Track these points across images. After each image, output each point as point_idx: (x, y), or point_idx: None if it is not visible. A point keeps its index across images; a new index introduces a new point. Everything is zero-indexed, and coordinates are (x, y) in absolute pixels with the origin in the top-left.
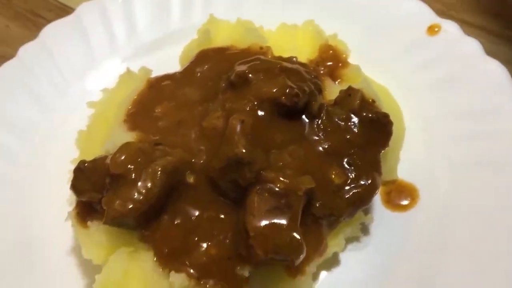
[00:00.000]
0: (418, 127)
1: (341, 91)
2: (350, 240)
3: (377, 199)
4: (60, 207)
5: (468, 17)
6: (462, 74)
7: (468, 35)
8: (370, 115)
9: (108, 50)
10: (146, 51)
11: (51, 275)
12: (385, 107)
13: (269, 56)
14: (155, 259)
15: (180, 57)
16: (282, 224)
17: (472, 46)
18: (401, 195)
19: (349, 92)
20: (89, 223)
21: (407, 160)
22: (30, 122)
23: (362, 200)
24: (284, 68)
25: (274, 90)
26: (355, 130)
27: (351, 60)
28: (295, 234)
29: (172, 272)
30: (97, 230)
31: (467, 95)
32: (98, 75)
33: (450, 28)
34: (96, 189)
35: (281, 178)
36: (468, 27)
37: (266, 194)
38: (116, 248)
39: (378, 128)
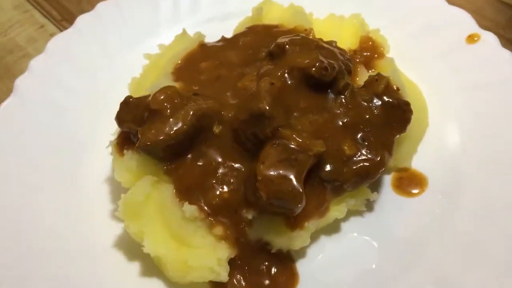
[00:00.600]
0: (441, 127)
1: (370, 76)
2: (354, 213)
3: (387, 182)
4: (105, 139)
5: None
6: (494, 83)
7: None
8: (391, 100)
9: (171, 19)
10: (204, 23)
11: (90, 193)
12: (411, 100)
13: (311, 36)
14: (174, 191)
15: (233, 30)
16: (288, 175)
17: (508, 57)
18: (411, 183)
19: (376, 77)
20: (125, 151)
21: (425, 154)
22: (97, 67)
23: (368, 174)
24: (320, 46)
25: (306, 61)
26: (375, 111)
27: (388, 54)
28: (297, 185)
29: (186, 203)
30: (130, 158)
31: (498, 102)
32: (158, 39)
33: (489, 38)
34: (135, 121)
35: (295, 137)
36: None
37: (279, 148)
38: (143, 175)
39: (398, 113)
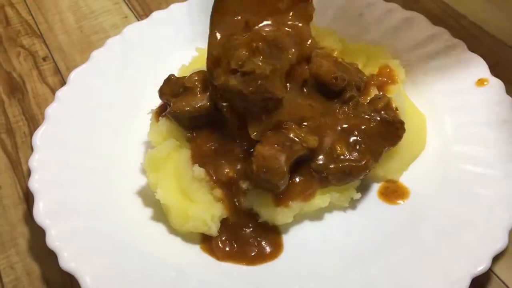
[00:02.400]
0: (436, 153)
1: (375, 95)
2: (337, 207)
3: (375, 188)
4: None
5: None
6: (490, 126)
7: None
8: (387, 117)
9: None
10: None
11: (128, 151)
12: (411, 123)
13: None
14: (190, 155)
15: None
16: (278, 156)
17: (509, 102)
18: (394, 193)
19: (380, 96)
20: (160, 118)
21: (414, 173)
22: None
23: (351, 172)
24: (338, 62)
25: (322, 69)
26: (372, 124)
27: (403, 84)
28: (283, 166)
29: (196, 165)
30: (163, 123)
31: (495, 142)
32: None
33: (496, 84)
34: (172, 95)
35: (295, 130)
36: None
37: (279, 135)
38: (169, 138)
39: (392, 129)
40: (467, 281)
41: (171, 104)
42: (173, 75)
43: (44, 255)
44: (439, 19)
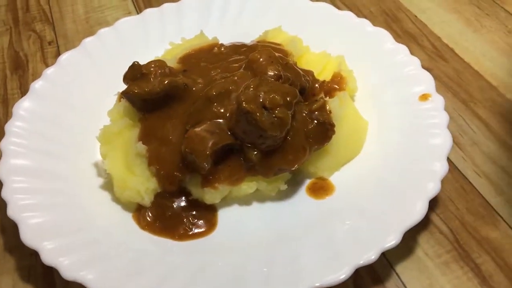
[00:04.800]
0: (369, 157)
1: (314, 98)
2: (263, 197)
3: (305, 183)
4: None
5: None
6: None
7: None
8: (319, 118)
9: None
10: None
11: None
12: (350, 127)
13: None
14: (138, 134)
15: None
16: (205, 140)
17: (443, 119)
18: (320, 189)
19: (316, 99)
20: (121, 99)
21: (345, 174)
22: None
23: (276, 166)
24: (289, 65)
25: (269, 69)
26: (306, 123)
27: (356, 93)
28: (208, 149)
29: (140, 143)
30: (122, 104)
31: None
32: None
33: (437, 99)
34: (132, 79)
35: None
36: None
37: (212, 122)
38: (124, 116)
39: (322, 130)
40: (351, 270)
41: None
42: (136, 62)
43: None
44: (413, 38)
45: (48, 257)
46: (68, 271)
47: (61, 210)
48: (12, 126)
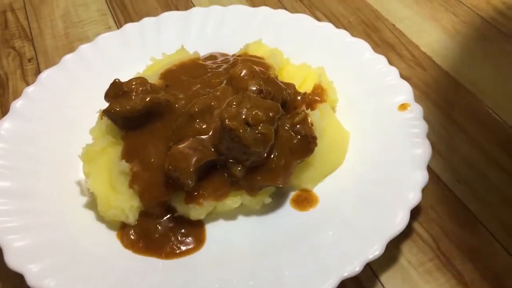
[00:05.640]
0: (353, 168)
1: (295, 110)
2: (248, 210)
3: (290, 195)
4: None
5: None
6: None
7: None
8: (302, 131)
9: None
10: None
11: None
12: (332, 139)
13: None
14: (121, 152)
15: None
16: (189, 157)
17: (421, 128)
18: (304, 201)
19: (297, 111)
20: (103, 117)
21: (328, 184)
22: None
23: (259, 182)
24: (271, 79)
25: (250, 83)
26: (288, 136)
27: (337, 104)
28: (191, 166)
29: (123, 161)
30: (104, 122)
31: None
32: None
33: (415, 109)
34: (114, 97)
35: (211, 136)
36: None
37: (195, 139)
38: (106, 135)
39: (304, 143)
40: (336, 282)
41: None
42: (118, 79)
43: None
44: (392, 47)
45: (33, 280)
46: None
47: (45, 230)
48: None
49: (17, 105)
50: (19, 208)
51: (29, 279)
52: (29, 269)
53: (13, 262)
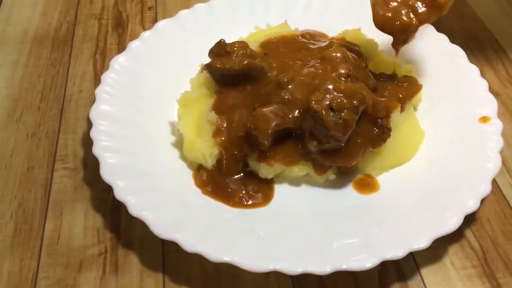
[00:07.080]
0: (421, 166)
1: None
2: (312, 182)
3: (353, 177)
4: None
5: None
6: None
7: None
8: (381, 121)
9: None
10: None
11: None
12: (407, 133)
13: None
14: (212, 104)
15: None
16: (269, 119)
17: (497, 143)
18: (366, 185)
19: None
20: (203, 71)
21: (392, 175)
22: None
23: (327, 157)
24: (362, 67)
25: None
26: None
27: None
28: (270, 128)
29: (213, 112)
30: (203, 75)
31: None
32: None
33: (496, 124)
34: (216, 55)
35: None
36: None
37: (279, 105)
38: (203, 86)
39: (380, 133)
40: (378, 261)
41: (212, 60)
42: (223, 39)
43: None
44: (488, 60)
45: (120, 194)
46: (134, 208)
47: (136, 156)
48: (107, 77)
49: (133, 45)
50: (116, 132)
51: (116, 192)
52: (117, 184)
53: (105, 175)
